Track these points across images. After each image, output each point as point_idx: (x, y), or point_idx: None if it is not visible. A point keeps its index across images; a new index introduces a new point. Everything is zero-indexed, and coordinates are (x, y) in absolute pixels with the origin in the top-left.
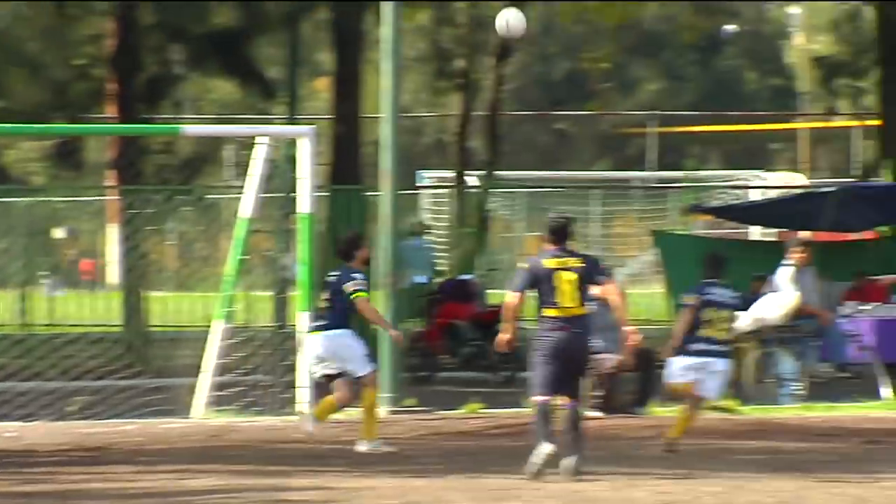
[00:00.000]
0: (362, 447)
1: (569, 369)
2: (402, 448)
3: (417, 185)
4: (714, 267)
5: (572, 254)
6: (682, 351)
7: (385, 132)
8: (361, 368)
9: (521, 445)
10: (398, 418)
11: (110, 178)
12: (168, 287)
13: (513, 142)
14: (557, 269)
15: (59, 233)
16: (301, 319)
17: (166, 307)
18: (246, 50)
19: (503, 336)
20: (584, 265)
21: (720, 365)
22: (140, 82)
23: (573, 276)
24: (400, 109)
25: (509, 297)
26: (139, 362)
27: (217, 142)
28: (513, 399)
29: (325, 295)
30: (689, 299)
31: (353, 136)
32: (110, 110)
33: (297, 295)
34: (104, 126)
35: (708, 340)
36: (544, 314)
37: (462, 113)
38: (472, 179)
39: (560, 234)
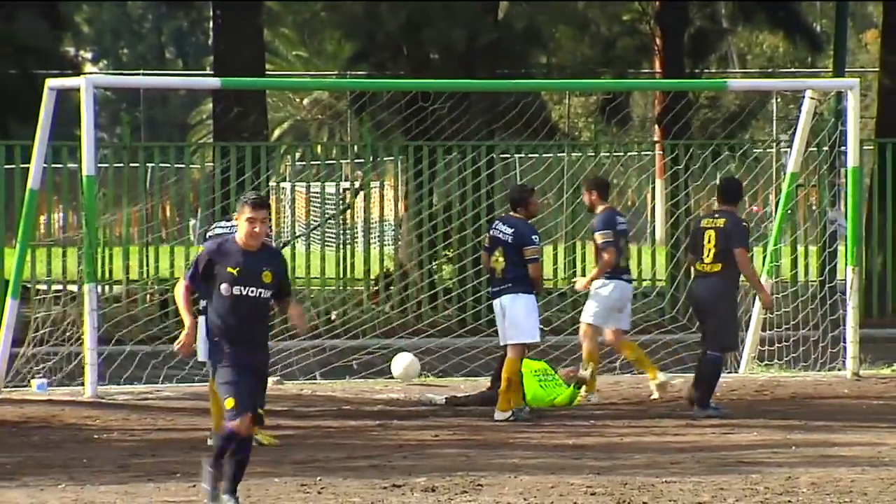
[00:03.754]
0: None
1: None
2: None
3: None
4: None
5: None
6: None
7: None
8: None
9: None
10: None
11: (656, 133)
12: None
13: None
14: None
15: None
16: (848, 274)
17: None
18: (794, 2)
19: None
20: None
21: None
22: (687, 37)
23: None
24: None
25: None
26: (685, 317)
27: (763, 96)
28: None
29: None
30: None
31: None
32: (657, 65)
33: (845, 249)
34: (651, 81)
35: None
36: None
37: None
38: None
39: None
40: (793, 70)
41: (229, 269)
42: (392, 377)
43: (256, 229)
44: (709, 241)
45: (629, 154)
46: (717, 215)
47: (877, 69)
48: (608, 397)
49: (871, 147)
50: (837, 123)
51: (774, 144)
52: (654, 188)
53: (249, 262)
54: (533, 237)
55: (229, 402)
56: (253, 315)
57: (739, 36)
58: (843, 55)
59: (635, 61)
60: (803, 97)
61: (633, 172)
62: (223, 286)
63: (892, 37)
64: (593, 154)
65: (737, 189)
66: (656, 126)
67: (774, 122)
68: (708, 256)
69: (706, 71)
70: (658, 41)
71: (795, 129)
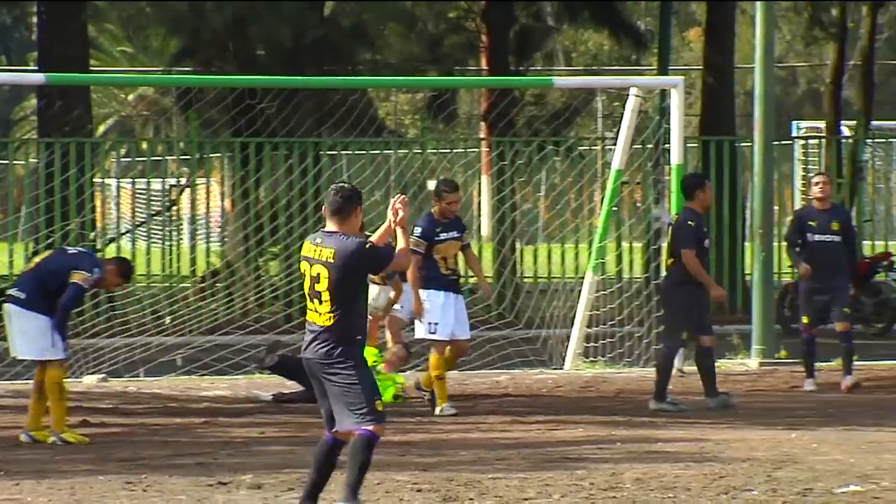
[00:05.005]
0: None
1: None
2: (774, 400)
3: (790, 135)
4: None
5: None
6: None
7: (758, 82)
8: None
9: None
10: (770, 370)
11: (482, 130)
12: (539, 238)
13: (889, 91)
14: None
15: (431, 185)
16: None
17: (537, 258)
18: (618, 1)
19: None
20: None
21: None
22: (512, 34)
23: None
24: (773, 59)
25: None
26: (511, 313)
27: (588, 93)
28: (888, 352)
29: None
30: None
31: (725, 86)
32: (483, 63)
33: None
34: (477, 78)
35: None
36: None
37: (836, 62)
38: (845, 129)
39: None
40: (618, 68)
41: None
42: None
43: None
44: (669, 238)
45: (455, 151)
46: (677, 214)
47: (700, 67)
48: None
49: (695, 144)
50: (662, 121)
51: (599, 142)
52: (480, 185)
53: None
54: (415, 228)
55: (380, 405)
56: None
57: (565, 34)
58: (667, 53)
59: (462, 59)
60: (628, 95)
61: (459, 169)
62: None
63: (715, 35)
64: (420, 151)
65: (690, 185)
66: (483, 123)
67: (600, 119)
68: (668, 253)
69: (532, 68)
70: (484, 38)
71: (620, 126)
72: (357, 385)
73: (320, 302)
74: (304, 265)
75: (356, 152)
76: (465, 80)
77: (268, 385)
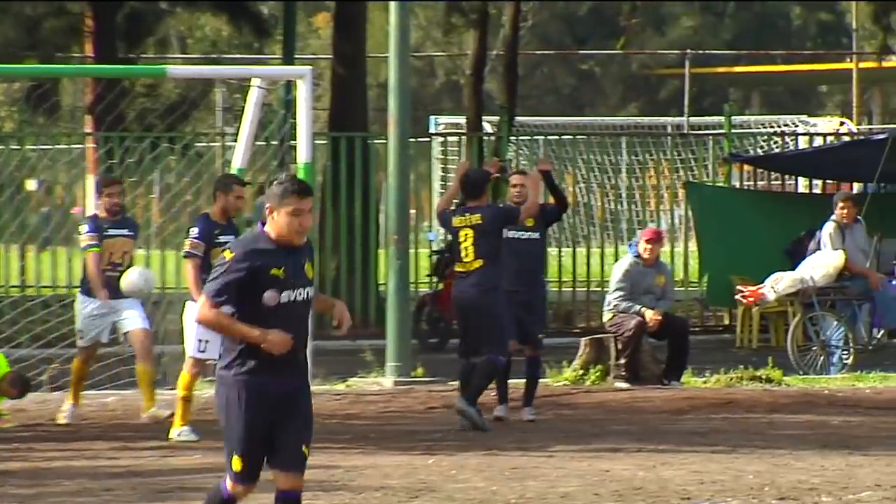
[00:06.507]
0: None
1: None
2: (410, 422)
3: (429, 131)
4: None
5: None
6: None
7: (392, 73)
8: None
9: (543, 420)
10: (406, 389)
11: (88, 125)
12: (151, 244)
13: (533, 84)
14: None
15: (31, 185)
16: None
17: (150, 266)
18: None
19: None
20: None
21: None
22: (121, 18)
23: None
24: (409, 48)
25: None
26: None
27: (206, 84)
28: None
29: None
30: None
31: (356, 77)
32: (88, 49)
33: None
34: (81, 67)
35: None
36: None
37: (477, 52)
38: (488, 125)
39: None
40: (239, 56)
41: (274, 272)
42: None
43: (306, 223)
44: (465, 240)
45: (58, 147)
46: (468, 212)
47: (329, 56)
48: (34, 418)
49: (325, 141)
50: (287, 115)
51: (219, 138)
52: (85, 184)
53: (290, 258)
54: (191, 229)
55: (237, 463)
56: (302, 324)
57: (179, 18)
58: (292, 41)
59: (64, 44)
60: (250, 86)
61: (62, 167)
62: (268, 295)
63: (346, 21)
64: (18, 147)
65: (483, 181)
66: (88, 116)
67: (219, 113)
68: (467, 256)
69: (143, 56)
70: (90, 22)
71: (242, 121)
72: (222, 414)
73: None
74: None
75: None
76: (67, 69)
77: None
